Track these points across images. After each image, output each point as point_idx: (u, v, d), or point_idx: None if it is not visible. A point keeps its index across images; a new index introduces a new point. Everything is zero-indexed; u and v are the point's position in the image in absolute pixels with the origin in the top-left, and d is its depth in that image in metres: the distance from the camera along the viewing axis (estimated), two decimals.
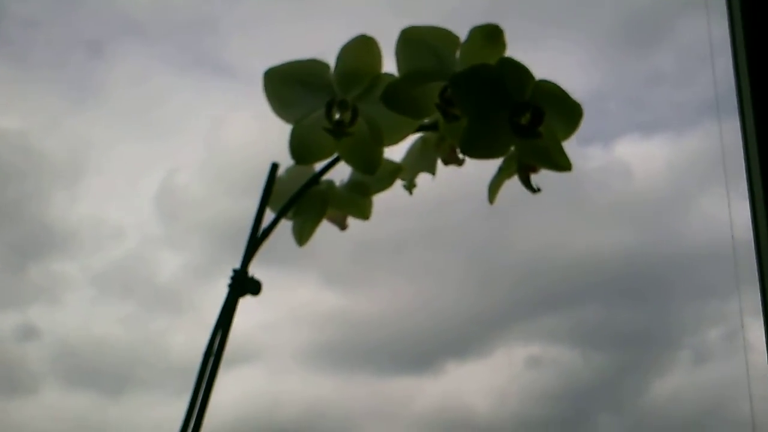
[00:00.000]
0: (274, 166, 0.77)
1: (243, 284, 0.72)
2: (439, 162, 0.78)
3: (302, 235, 0.78)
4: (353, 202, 0.78)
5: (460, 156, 0.76)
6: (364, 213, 0.78)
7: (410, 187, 0.79)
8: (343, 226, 0.79)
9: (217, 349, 0.68)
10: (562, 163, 0.67)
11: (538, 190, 0.71)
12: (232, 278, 0.73)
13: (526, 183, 0.71)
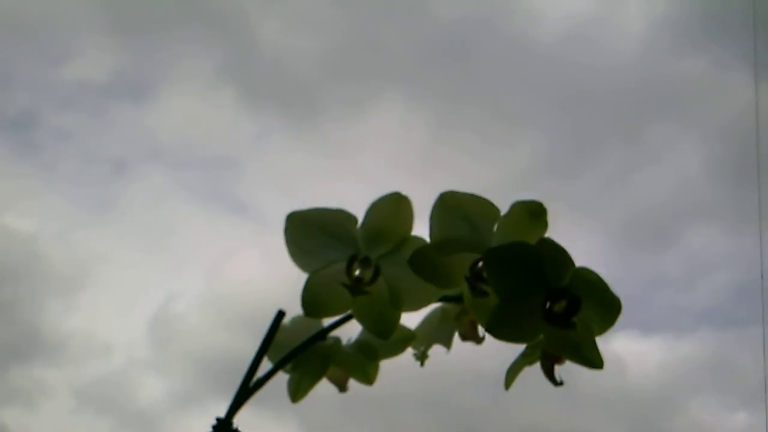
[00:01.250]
0: (280, 314, 0.72)
1: None
2: (456, 337, 0.73)
3: (298, 392, 0.72)
4: (359, 365, 0.72)
5: (480, 334, 0.71)
6: (368, 378, 0.72)
7: (422, 358, 0.73)
8: (343, 388, 0.73)
9: None
10: (593, 359, 0.62)
11: (561, 383, 0.66)
12: (215, 428, 0.67)
13: (549, 374, 0.66)
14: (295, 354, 0.71)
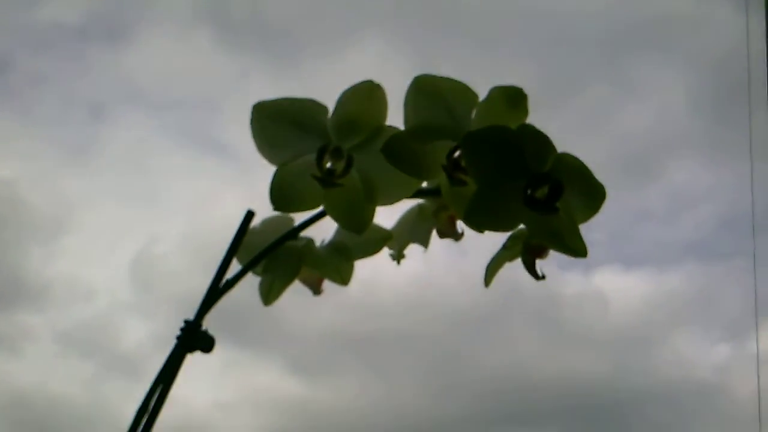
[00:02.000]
0: (249, 214, 0.69)
1: (194, 338, 0.63)
2: (434, 234, 0.70)
3: (270, 294, 0.69)
4: (333, 265, 0.69)
5: (459, 230, 0.68)
6: (343, 278, 0.69)
7: (398, 257, 0.70)
8: (317, 291, 0.70)
9: (155, 405, 0.59)
10: (577, 247, 0.59)
11: (543, 277, 0.63)
12: (182, 330, 0.64)
13: (530, 268, 0.63)
14: (266, 254, 0.68)
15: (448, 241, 0.69)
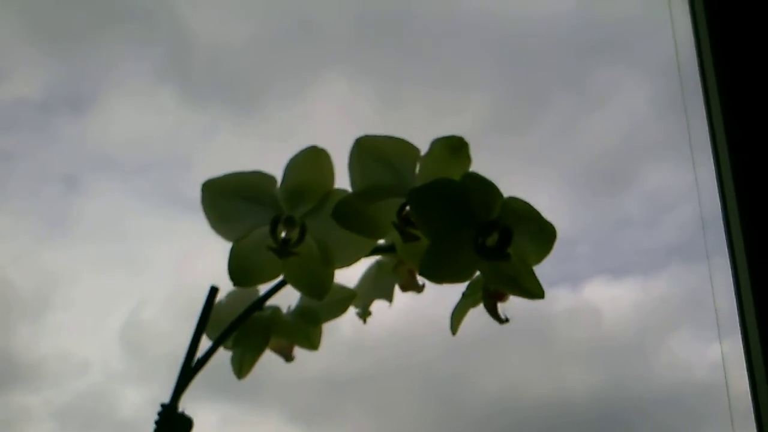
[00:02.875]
0: (213, 290, 0.69)
1: (172, 421, 0.63)
2: (397, 288, 0.71)
3: (242, 367, 0.69)
4: (301, 331, 0.70)
5: (420, 282, 0.68)
6: (312, 343, 0.70)
7: (364, 315, 0.71)
8: (289, 358, 0.70)
9: None
10: (532, 290, 0.60)
11: (507, 320, 0.64)
12: (159, 414, 0.64)
13: (493, 312, 0.64)
14: (234, 328, 0.69)
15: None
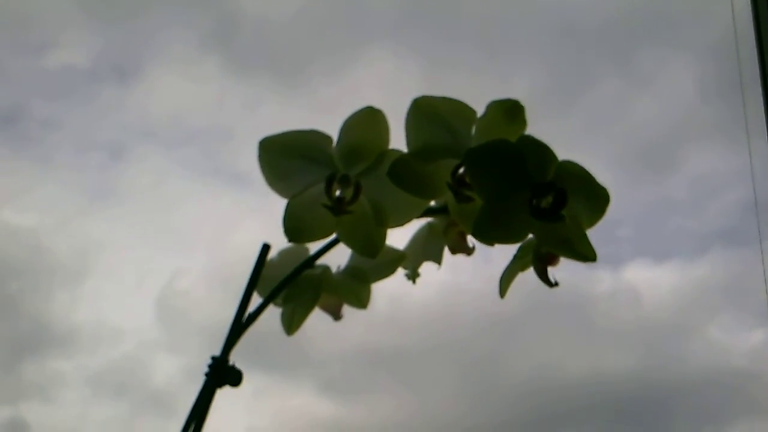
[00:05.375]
0: (265, 247, 0.70)
1: (222, 373, 0.64)
2: (447, 251, 0.71)
3: (292, 324, 0.70)
4: (350, 290, 0.70)
5: (470, 244, 0.69)
6: (361, 302, 0.71)
7: (414, 276, 0.71)
8: (337, 316, 0.71)
9: None
10: (585, 252, 0.60)
11: (556, 284, 0.64)
12: (210, 366, 0.65)
13: (543, 276, 0.64)
14: (285, 285, 0.69)
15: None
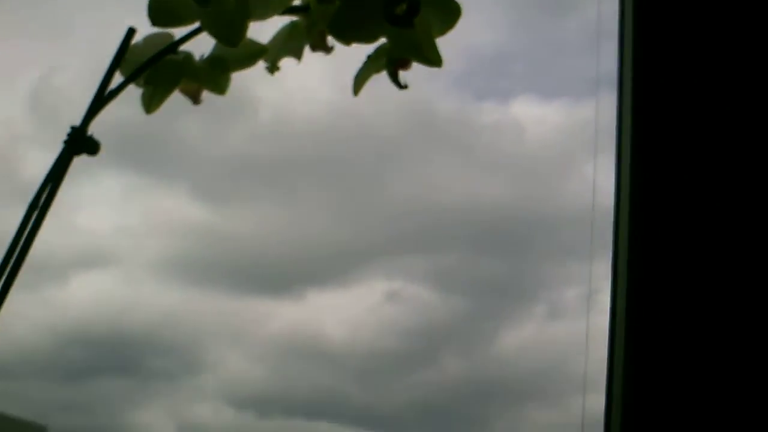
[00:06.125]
0: (130, 31, 0.72)
1: (79, 142, 0.67)
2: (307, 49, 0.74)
3: (151, 103, 0.73)
4: (211, 77, 0.73)
5: (329, 44, 0.72)
6: (221, 88, 0.74)
7: (273, 69, 0.75)
8: (196, 100, 0.74)
9: (44, 203, 0.64)
10: (432, 58, 0.65)
11: (406, 86, 0.69)
12: (69, 135, 0.68)
13: (394, 78, 0.69)
14: (147, 66, 0.72)
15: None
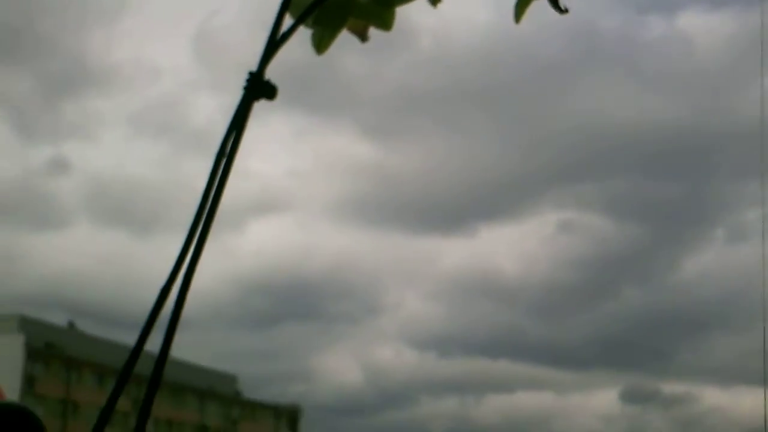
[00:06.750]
0: None
1: (258, 87, 0.71)
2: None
3: (321, 43, 0.76)
4: (376, 13, 0.76)
5: None
6: (386, 24, 0.76)
7: (436, 1, 0.76)
8: (364, 38, 0.77)
9: (230, 151, 0.68)
10: None
11: (566, 10, 0.69)
12: (248, 81, 0.72)
13: (554, 2, 0.69)
14: (314, 7, 0.75)
15: None
